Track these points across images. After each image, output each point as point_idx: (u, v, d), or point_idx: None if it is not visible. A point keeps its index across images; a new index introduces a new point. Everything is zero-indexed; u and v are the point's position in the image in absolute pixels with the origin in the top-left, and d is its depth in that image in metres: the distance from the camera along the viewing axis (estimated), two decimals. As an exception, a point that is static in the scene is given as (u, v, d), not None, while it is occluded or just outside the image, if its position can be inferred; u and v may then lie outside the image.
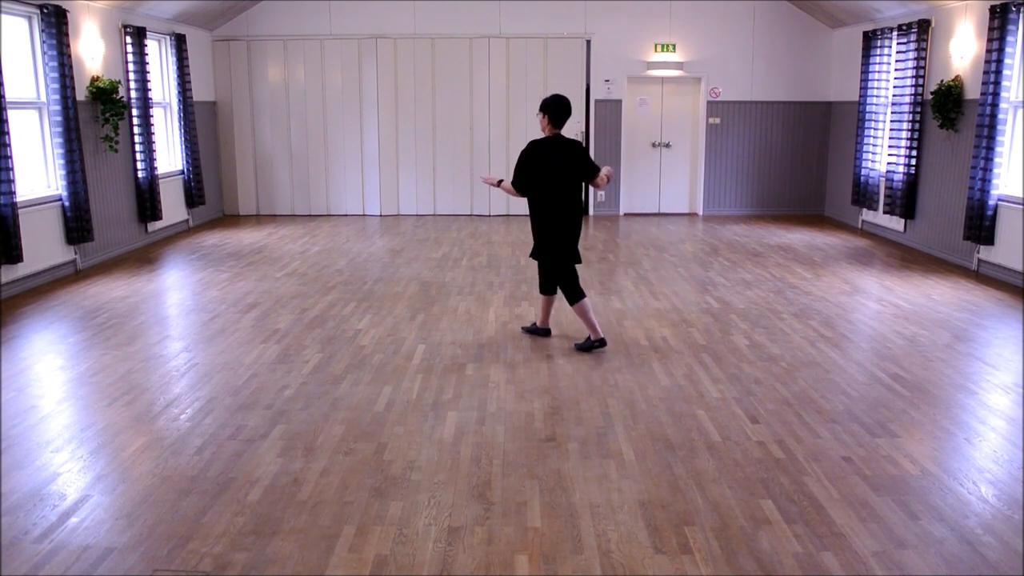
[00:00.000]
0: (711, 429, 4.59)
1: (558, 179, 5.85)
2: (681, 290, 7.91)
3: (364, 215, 12.99)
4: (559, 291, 6.19)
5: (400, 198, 13.01)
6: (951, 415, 4.83)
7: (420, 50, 12.60)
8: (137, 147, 10.04)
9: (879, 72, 10.84)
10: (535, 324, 6.47)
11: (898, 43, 10.35)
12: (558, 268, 6.06)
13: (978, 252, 8.69)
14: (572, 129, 12.66)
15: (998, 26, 8.14)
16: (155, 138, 10.37)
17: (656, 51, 12.62)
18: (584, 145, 5.78)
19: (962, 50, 9.06)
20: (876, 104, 10.95)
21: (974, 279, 8.42)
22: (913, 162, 9.99)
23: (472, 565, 3.26)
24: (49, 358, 5.93)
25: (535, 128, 13.16)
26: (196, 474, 4.04)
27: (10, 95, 7.69)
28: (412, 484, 3.94)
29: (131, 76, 9.89)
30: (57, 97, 8.29)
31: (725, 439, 4.45)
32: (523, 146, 5.96)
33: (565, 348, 6.08)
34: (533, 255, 6.15)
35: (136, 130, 10.01)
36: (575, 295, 6.04)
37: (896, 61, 10.36)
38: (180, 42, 11.20)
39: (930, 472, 4.06)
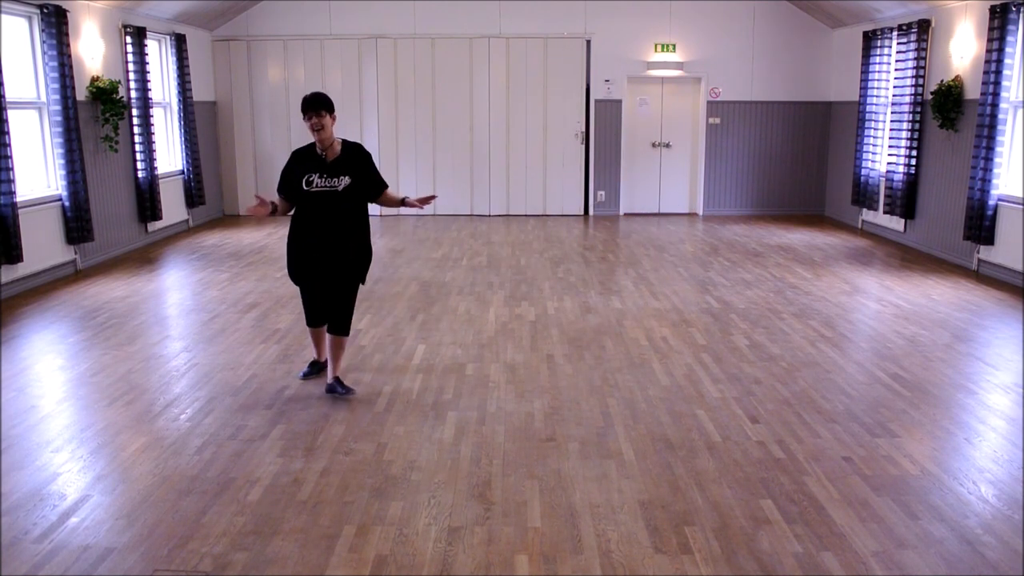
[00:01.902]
0: (711, 429, 4.59)
1: None
2: (681, 290, 7.91)
3: (364, 215, 12.97)
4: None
5: (400, 198, 13.00)
6: (951, 415, 4.83)
7: (420, 50, 12.60)
8: (137, 147, 10.04)
9: (879, 72, 10.83)
10: (335, 381, 5.12)
11: (898, 43, 10.35)
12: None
13: (978, 252, 8.69)
14: (572, 129, 12.69)
15: (998, 26, 8.14)
16: (155, 138, 10.37)
17: (656, 51, 12.62)
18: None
19: (962, 50, 9.06)
20: (876, 104, 10.95)
21: (974, 279, 8.41)
22: (913, 162, 9.99)
23: (472, 565, 3.26)
24: (49, 358, 5.93)
25: (535, 128, 13.37)
26: (196, 474, 4.05)
27: (10, 95, 7.69)
28: (412, 484, 3.94)
29: (131, 76, 9.89)
30: (57, 97, 8.29)
31: (725, 439, 4.45)
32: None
33: (566, 348, 6.08)
34: (359, 279, 5.09)
35: (136, 130, 10.01)
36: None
37: (896, 61, 10.36)
38: (180, 42, 11.20)
39: (930, 472, 4.06)
